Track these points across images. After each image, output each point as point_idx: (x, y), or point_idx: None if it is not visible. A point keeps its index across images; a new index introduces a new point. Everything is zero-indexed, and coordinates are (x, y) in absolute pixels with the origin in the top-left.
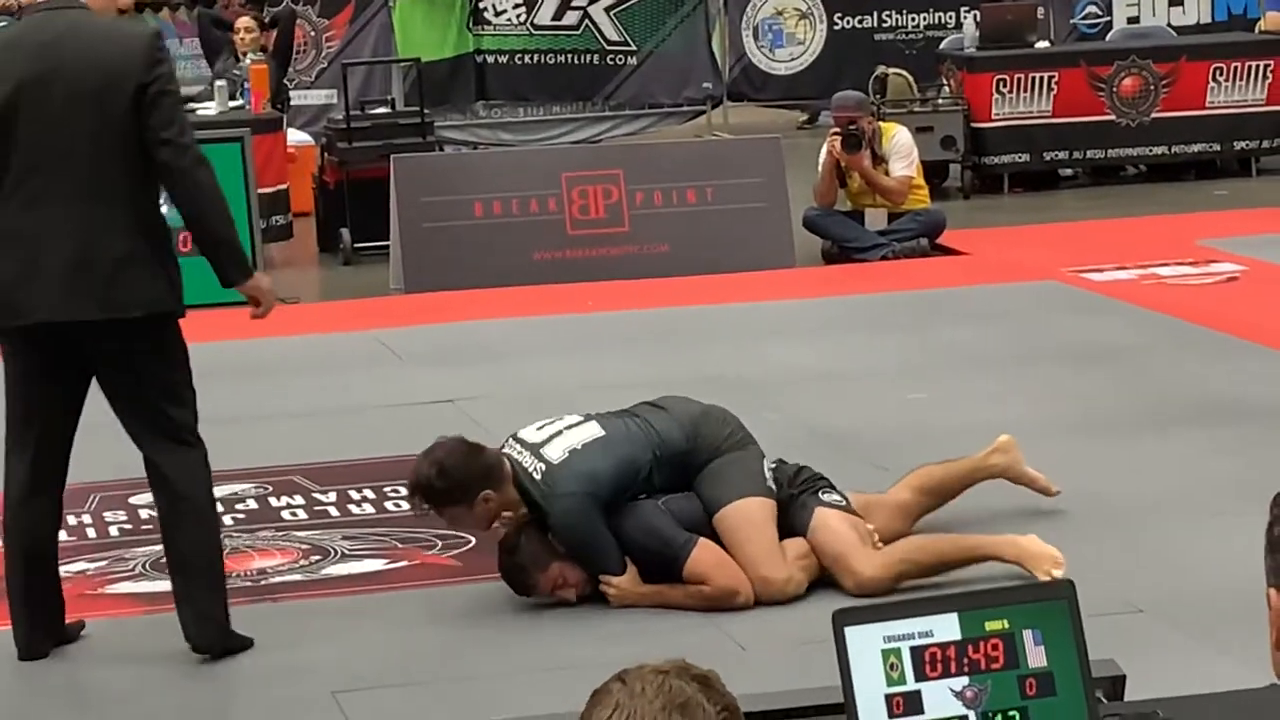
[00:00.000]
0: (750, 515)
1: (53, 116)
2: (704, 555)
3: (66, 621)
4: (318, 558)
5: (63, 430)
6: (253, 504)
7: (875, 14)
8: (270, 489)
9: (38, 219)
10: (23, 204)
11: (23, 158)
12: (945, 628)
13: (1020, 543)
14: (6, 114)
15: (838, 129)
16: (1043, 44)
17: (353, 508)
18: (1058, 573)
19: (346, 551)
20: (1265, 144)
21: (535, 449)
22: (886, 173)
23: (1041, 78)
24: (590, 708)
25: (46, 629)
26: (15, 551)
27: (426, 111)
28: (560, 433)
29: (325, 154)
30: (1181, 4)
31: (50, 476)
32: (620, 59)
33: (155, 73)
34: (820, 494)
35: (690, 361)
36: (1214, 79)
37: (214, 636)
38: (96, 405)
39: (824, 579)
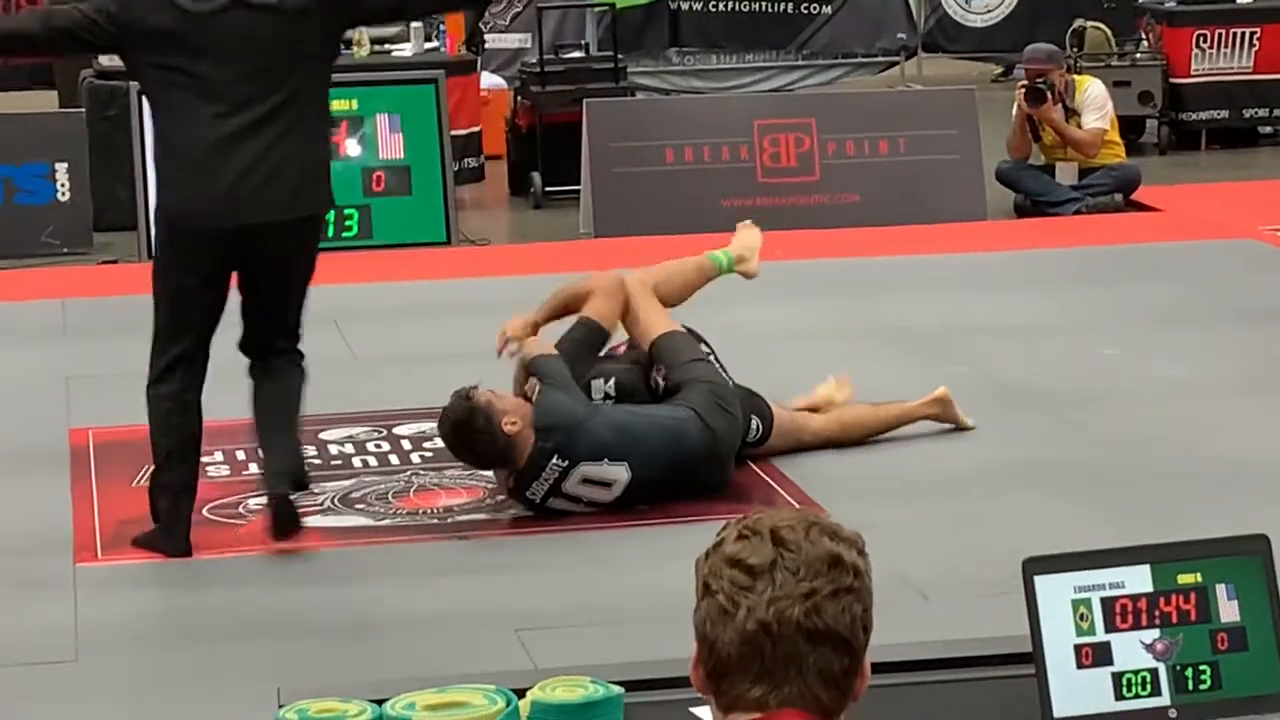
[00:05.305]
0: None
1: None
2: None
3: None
4: (503, 496)
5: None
6: (439, 442)
7: None
8: None
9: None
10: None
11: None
12: (1137, 579)
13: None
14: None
15: (1025, 81)
16: None
17: None
18: None
19: None
20: None
21: None
22: (1079, 126)
23: (1242, 33)
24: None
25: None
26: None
27: (620, 57)
28: None
29: (518, 97)
30: None
31: None
32: (814, 8)
33: None
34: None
35: (878, 312)
36: None
37: None
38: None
39: (1009, 540)
